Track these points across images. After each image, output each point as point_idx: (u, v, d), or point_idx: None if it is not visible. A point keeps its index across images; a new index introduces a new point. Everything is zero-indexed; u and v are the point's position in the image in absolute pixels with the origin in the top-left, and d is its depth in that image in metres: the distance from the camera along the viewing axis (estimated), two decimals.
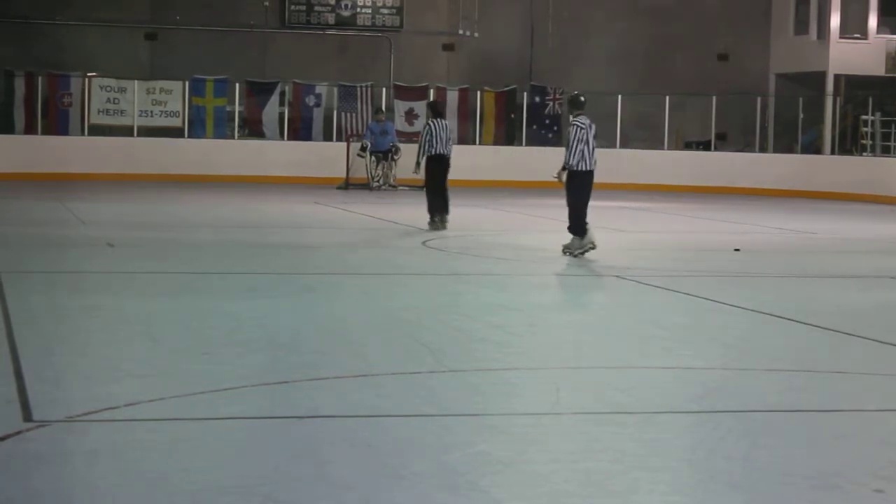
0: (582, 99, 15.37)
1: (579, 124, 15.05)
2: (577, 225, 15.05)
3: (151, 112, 31.30)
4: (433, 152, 18.30)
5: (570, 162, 15.08)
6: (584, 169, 15.09)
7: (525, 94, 33.43)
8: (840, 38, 33.83)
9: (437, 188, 18.25)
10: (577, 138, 14.98)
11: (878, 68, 33.92)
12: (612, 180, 31.51)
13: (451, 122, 32.82)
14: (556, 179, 15.35)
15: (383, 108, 30.31)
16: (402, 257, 14.81)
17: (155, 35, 33.15)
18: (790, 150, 33.18)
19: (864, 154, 32.86)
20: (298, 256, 14.60)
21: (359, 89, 32.21)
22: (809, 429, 6.70)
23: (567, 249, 15.00)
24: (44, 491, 5.23)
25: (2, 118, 31.06)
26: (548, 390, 7.46)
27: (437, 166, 18.31)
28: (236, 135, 32.01)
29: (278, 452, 5.90)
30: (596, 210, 24.03)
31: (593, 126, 15.22)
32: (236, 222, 19.22)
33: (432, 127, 18.43)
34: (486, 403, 7.09)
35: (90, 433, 6.16)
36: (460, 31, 34.58)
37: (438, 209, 18.15)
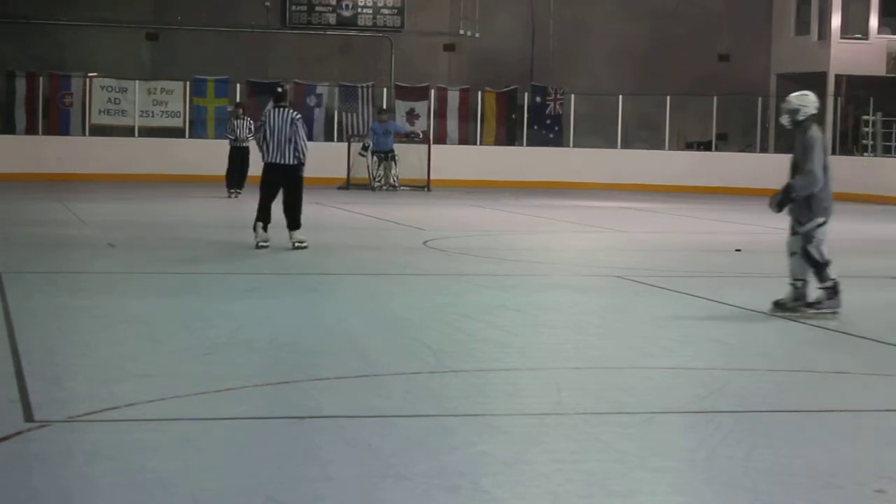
0: (281, 90, 15.46)
1: (300, 115, 15.15)
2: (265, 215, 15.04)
3: (152, 112, 31.33)
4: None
5: (306, 153, 14.91)
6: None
7: (526, 94, 33.45)
8: (841, 38, 33.83)
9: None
10: (305, 129, 14.98)
11: (879, 68, 33.92)
12: (613, 181, 31.59)
13: (451, 122, 33.02)
14: (301, 176, 15.08)
15: (384, 108, 30.31)
16: (404, 257, 14.81)
17: (156, 35, 33.17)
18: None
19: (865, 154, 32.86)
20: (299, 256, 14.59)
21: (360, 89, 32.23)
22: (810, 429, 6.71)
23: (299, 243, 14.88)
24: (44, 491, 5.23)
25: (3, 118, 31.08)
26: (549, 390, 7.46)
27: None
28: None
29: (280, 453, 5.90)
30: (598, 210, 24.18)
31: None
32: (237, 222, 19.21)
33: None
34: (487, 403, 7.10)
35: (91, 433, 6.16)
36: (461, 32, 34.59)
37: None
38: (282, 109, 14.94)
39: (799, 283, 10.32)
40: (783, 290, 10.57)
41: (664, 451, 6.12)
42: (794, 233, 10.45)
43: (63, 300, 10.54)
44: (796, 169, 10.45)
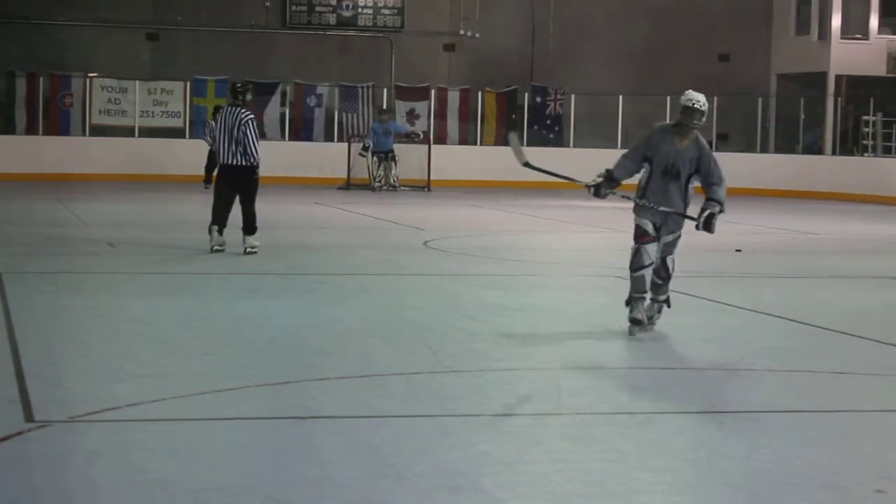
0: (232, 88, 14.75)
1: (252, 116, 14.45)
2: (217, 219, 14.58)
3: (152, 112, 31.31)
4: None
5: (257, 156, 14.28)
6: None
7: (526, 94, 33.44)
8: (841, 38, 33.82)
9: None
10: (256, 131, 14.32)
11: (879, 69, 33.91)
12: None
13: (451, 122, 33.00)
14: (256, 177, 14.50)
15: (385, 108, 30.30)
16: (404, 258, 14.80)
17: (156, 35, 33.16)
18: (791, 151, 33.15)
19: (865, 154, 32.84)
20: (300, 257, 14.60)
21: (360, 90, 32.21)
22: (810, 429, 6.71)
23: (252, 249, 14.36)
24: (45, 491, 5.23)
25: (3, 118, 31.08)
26: (549, 390, 7.46)
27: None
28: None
29: (280, 453, 5.90)
30: (598, 210, 24.16)
31: None
32: (237, 222, 19.19)
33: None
34: (487, 403, 7.10)
35: (91, 433, 6.17)
36: (461, 32, 34.58)
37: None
38: (234, 108, 14.32)
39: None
40: (783, 290, 10.55)
41: (664, 451, 6.12)
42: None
43: (63, 300, 10.54)
44: (670, 175, 10.08)
